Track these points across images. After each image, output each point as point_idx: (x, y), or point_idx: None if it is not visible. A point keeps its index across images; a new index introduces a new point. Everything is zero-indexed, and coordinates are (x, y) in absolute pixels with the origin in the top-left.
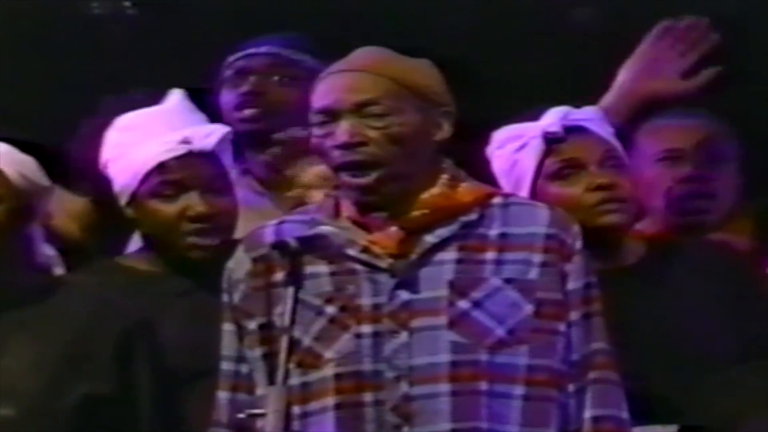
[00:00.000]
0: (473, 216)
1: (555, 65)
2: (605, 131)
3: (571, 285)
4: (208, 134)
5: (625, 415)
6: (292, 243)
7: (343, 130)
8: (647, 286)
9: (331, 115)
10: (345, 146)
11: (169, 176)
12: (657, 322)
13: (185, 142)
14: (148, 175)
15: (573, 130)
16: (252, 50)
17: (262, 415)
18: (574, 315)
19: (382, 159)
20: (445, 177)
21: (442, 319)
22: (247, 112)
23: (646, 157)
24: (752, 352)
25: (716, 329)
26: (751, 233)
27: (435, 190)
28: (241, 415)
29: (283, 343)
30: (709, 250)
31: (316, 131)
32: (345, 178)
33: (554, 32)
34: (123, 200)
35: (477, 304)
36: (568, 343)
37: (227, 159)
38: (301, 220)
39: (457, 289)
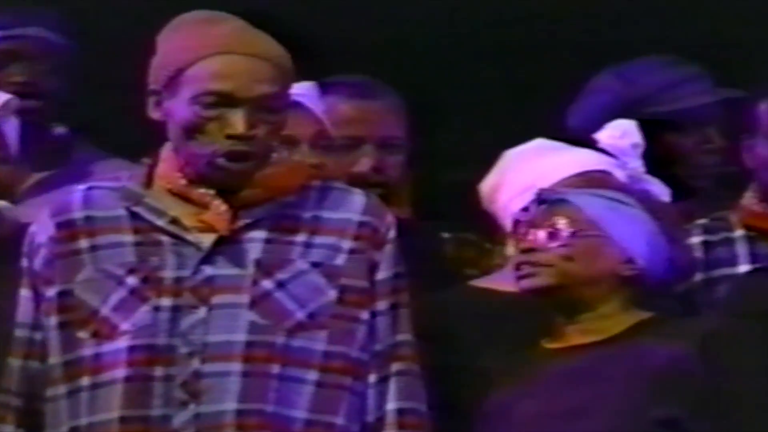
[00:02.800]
0: (291, 197)
1: None
2: (318, 108)
3: (381, 274)
4: None
5: (425, 408)
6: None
7: (239, 120)
8: None
9: (228, 100)
10: (239, 137)
11: None
12: None
13: None
14: None
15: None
16: (19, 31)
17: None
18: (381, 305)
19: (262, 151)
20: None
21: (244, 298)
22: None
23: None
24: None
25: None
26: None
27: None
28: None
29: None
30: None
31: (200, 110)
32: (222, 162)
33: None
34: None
35: (280, 285)
36: (371, 332)
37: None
38: (110, 187)
39: (263, 268)
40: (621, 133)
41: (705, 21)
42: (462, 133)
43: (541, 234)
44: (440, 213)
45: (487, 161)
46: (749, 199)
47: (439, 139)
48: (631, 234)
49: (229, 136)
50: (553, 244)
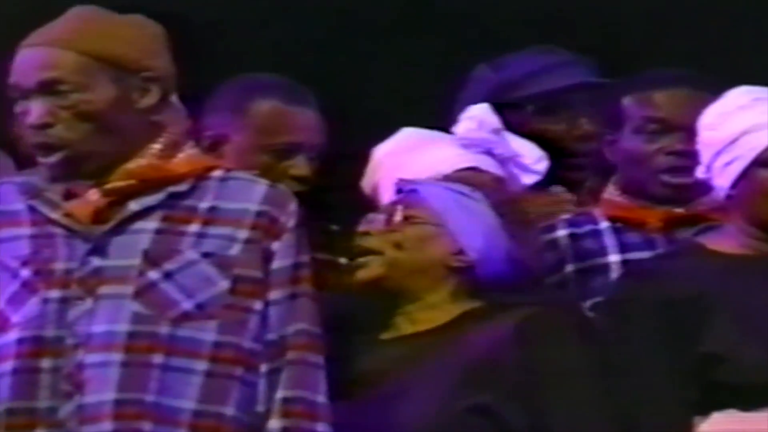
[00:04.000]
0: (183, 187)
1: None
2: None
3: (277, 264)
4: None
5: (320, 398)
6: None
7: (32, 110)
8: None
9: (23, 93)
10: (33, 127)
11: None
12: None
13: None
14: None
15: None
16: None
17: None
18: (276, 294)
19: (69, 139)
20: (156, 147)
21: (129, 288)
22: None
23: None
24: None
25: None
26: None
27: (142, 161)
28: None
29: None
30: None
31: (16, 106)
32: (38, 157)
33: None
34: None
35: (167, 276)
36: (264, 322)
37: None
38: (20, 182)
39: (151, 258)
40: (477, 124)
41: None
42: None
43: (378, 219)
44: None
45: None
46: (611, 191)
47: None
48: (467, 226)
49: (29, 127)
50: (386, 229)
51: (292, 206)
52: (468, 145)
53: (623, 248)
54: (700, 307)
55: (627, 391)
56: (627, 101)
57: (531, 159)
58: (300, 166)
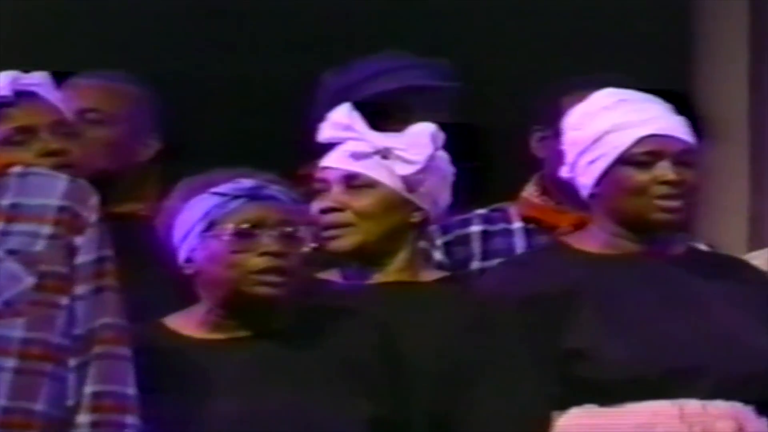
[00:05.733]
0: None
1: None
2: (54, 97)
3: (81, 258)
4: None
5: (130, 390)
6: None
7: None
8: None
9: None
10: None
11: None
12: None
13: None
14: None
15: (23, 95)
16: None
17: None
18: (81, 288)
19: None
20: None
21: None
22: None
23: None
24: None
25: None
26: None
27: None
28: None
29: None
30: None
31: None
32: None
33: None
34: None
35: None
36: (71, 317)
37: None
38: None
39: None
40: (343, 127)
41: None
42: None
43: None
44: None
45: None
46: (530, 191)
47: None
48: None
49: None
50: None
51: (93, 200)
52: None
53: (523, 253)
54: (563, 304)
55: (490, 384)
56: (566, 101)
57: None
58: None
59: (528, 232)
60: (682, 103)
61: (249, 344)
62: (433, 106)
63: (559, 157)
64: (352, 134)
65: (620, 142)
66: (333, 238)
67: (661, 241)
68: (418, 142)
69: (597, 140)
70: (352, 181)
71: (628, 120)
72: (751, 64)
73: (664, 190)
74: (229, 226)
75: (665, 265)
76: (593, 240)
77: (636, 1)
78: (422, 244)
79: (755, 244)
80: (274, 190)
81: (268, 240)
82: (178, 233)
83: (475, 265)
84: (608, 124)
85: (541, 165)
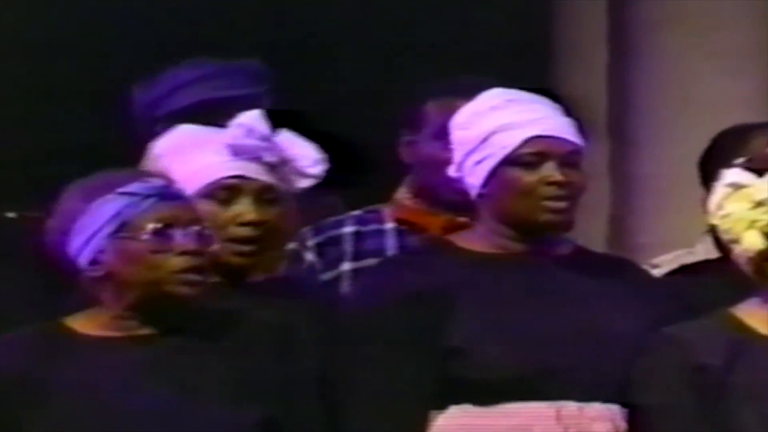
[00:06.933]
0: None
1: None
2: None
3: None
4: None
5: None
6: None
7: None
8: None
9: None
10: None
11: None
12: None
13: None
14: None
15: None
16: None
17: None
18: None
19: None
20: None
21: None
22: None
23: None
24: None
25: None
26: None
27: None
28: None
29: None
30: None
31: None
32: None
33: None
34: None
35: None
36: None
37: None
38: None
39: None
40: (246, 131)
41: None
42: None
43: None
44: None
45: None
46: (402, 193)
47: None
48: None
49: None
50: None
51: None
52: (237, 152)
53: (403, 252)
54: (443, 303)
55: (369, 385)
56: (429, 106)
57: (308, 162)
58: None
59: (400, 233)
60: (567, 104)
61: (146, 342)
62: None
63: (426, 162)
64: (263, 144)
65: (507, 143)
66: None
67: (546, 242)
68: (315, 155)
69: (484, 140)
70: None
71: (515, 120)
72: (610, 66)
73: (550, 191)
74: (147, 227)
75: (550, 265)
76: (479, 239)
77: (496, 5)
78: (293, 245)
79: (615, 245)
80: (178, 189)
81: (183, 239)
82: (79, 236)
83: (347, 265)
84: (496, 124)
85: (410, 169)
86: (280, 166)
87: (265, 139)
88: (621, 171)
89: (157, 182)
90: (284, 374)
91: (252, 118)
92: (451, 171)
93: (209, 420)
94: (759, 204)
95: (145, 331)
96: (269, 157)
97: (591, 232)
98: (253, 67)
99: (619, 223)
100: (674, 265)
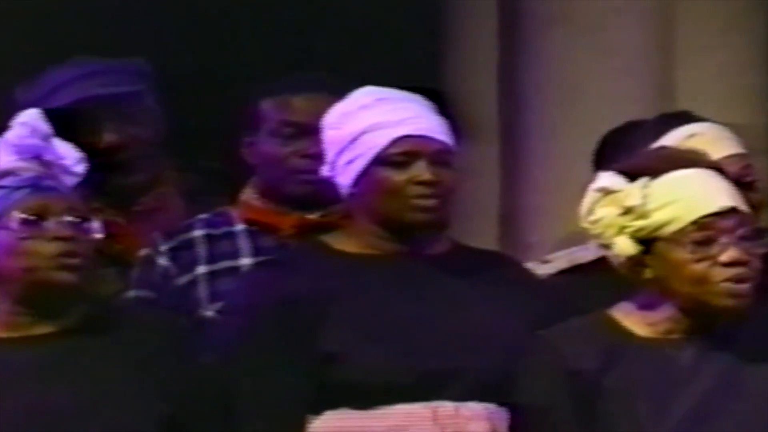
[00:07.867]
0: None
1: None
2: None
3: None
4: None
5: None
6: None
7: None
8: None
9: None
10: None
11: None
12: None
13: None
14: None
15: None
16: None
17: None
18: None
19: None
20: None
21: None
22: None
23: None
24: None
25: None
26: None
27: None
28: None
29: None
30: None
31: None
32: None
33: None
34: None
35: None
36: None
37: None
38: None
39: None
40: (29, 130)
41: None
42: None
43: None
44: None
45: None
46: (249, 194)
47: None
48: None
49: None
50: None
51: None
52: (18, 150)
53: (257, 252)
54: (319, 306)
55: (243, 388)
56: (265, 104)
57: (71, 161)
58: None
59: (251, 234)
60: (441, 102)
61: (43, 341)
62: (126, 112)
63: (268, 160)
64: (43, 143)
65: (376, 143)
66: None
67: (421, 241)
68: (75, 154)
69: (354, 140)
70: None
71: (384, 120)
72: (500, 64)
73: (420, 190)
74: (15, 215)
75: (425, 264)
76: (353, 240)
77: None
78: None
79: (505, 244)
80: (55, 181)
81: (54, 227)
82: None
83: (202, 268)
84: (365, 123)
85: (254, 170)
86: (53, 165)
87: (46, 138)
88: (511, 170)
89: (29, 174)
90: (181, 371)
91: (34, 118)
92: (324, 171)
93: (110, 416)
94: (628, 210)
95: (40, 330)
96: (48, 156)
97: (481, 232)
98: (134, 65)
99: (510, 222)
100: (566, 263)
